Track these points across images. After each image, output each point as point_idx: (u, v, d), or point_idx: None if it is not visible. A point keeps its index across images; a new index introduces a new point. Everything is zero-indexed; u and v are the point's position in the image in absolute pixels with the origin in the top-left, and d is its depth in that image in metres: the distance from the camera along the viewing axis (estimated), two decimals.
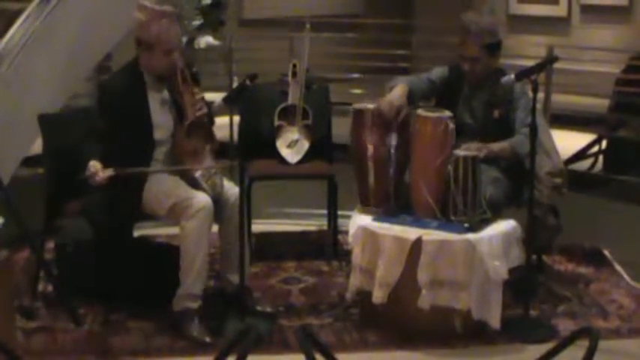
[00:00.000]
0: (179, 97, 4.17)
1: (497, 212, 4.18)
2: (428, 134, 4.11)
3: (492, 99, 4.38)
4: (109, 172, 3.93)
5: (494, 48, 4.36)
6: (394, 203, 4.25)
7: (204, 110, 4.18)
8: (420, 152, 4.13)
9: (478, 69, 4.36)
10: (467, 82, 4.45)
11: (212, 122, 4.36)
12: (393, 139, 4.22)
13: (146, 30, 4.08)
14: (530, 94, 4.16)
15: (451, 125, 4.09)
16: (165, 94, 4.20)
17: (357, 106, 4.36)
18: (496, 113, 4.37)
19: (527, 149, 4.20)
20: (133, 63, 4.18)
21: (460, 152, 4.09)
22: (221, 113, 4.53)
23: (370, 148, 4.25)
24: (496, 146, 4.30)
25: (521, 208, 4.32)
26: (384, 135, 4.23)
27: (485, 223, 4.08)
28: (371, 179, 4.28)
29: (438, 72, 4.52)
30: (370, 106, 4.31)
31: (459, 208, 4.05)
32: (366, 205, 4.30)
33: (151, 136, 4.14)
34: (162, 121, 4.18)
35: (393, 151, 4.22)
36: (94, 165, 3.93)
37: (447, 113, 4.15)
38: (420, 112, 4.17)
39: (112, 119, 4.07)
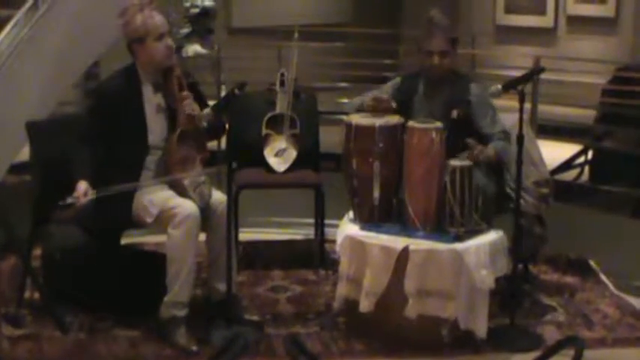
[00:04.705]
0: (174, 103, 4.17)
1: (487, 223, 4.20)
2: (415, 145, 4.12)
3: (450, 99, 4.39)
4: (91, 195, 3.93)
5: (455, 42, 4.41)
6: (379, 217, 4.23)
7: (196, 115, 4.18)
8: (409, 163, 4.14)
9: (446, 63, 4.37)
10: (425, 82, 4.45)
11: (219, 132, 4.48)
12: (377, 155, 4.19)
13: (132, 25, 4.10)
14: (491, 100, 4.24)
15: (437, 136, 4.10)
16: (161, 99, 4.20)
17: (346, 118, 4.35)
18: (454, 113, 4.37)
19: (508, 155, 4.25)
20: (129, 67, 4.18)
21: (456, 163, 4.10)
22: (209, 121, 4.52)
23: (354, 163, 4.26)
24: (488, 151, 4.28)
25: (507, 216, 4.34)
26: (367, 150, 4.20)
27: (474, 232, 4.10)
28: (357, 193, 4.27)
29: (391, 83, 4.56)
30: (359, 118, 4.30)
31: (457, 218, 4.07)
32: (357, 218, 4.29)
33: (146, 140, 4.14)
34: (156, 126, 4.17)
35: (377, 166, 4.19)
36: (78, 189, 3.91)
37: (437, 124, 4.15)
38: (410, 123, 4.18)
39: (106, 121, 4.07)
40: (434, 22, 4.33)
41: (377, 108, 4.32)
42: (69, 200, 3.91)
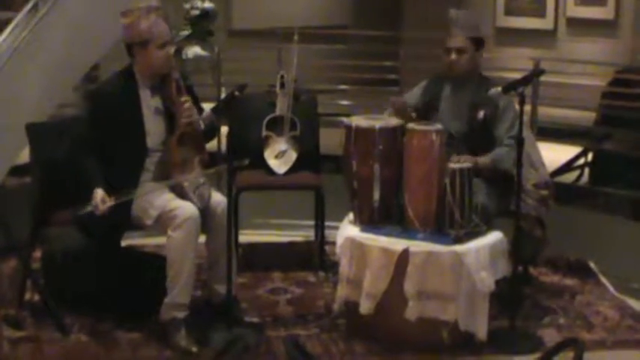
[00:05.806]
0: (172, 106, 4.18)
1: (488, 225, 4.20)
2: (414, 147, 4.12)
3: (476, 99, 4.40)
4: (110, 202, 3.96)
5: (479, 43, 4.44)
6: (379, 219, 4.23)
7: (195, 118, 4.18)
8: (409, 165, 4.15)
9: (463, 60, 4.39)
10: (450, 80, 4.48)
11: (214, 134, 4.45)
12: (377, 157, 4.19)
13: (136, 29, 4.10)
14: (517, 106, 4.20)
15: (437, 138, 4.10)
16: (159, 102, 4.21)
17: (345, 120, 4.36)
18: (481, 114, 4.38)
19: (508, 164, 4.25)
20: (127, 70, 4.19)
21: (456, 165, 4.10)
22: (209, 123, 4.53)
23: (354, 165, 4.26)
24: (480, 160, 4.31)
25: (507, 218, 4.34)
26: (367, 152, 4.21)
27: (474, 234, 4.10)
28: (357, 195, 4.28)
29: (420, 84, 4.61)
30: (359, 120, 4.30)
31: (456, 220, 4.07)
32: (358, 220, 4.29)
33: (144, 142, 4.14)
34: (154, 129, 4.18)
35: (377, 168, 4.20)
36: (95, 197, 3.94)
37: (437, 126, 4.16)
38: (410, 125, 4.19)
39: (104, 125, 4.08)
40: (452, 20, 4.43)
41: (398, 114, 4.35)
42: (88, 208, 3.94)
